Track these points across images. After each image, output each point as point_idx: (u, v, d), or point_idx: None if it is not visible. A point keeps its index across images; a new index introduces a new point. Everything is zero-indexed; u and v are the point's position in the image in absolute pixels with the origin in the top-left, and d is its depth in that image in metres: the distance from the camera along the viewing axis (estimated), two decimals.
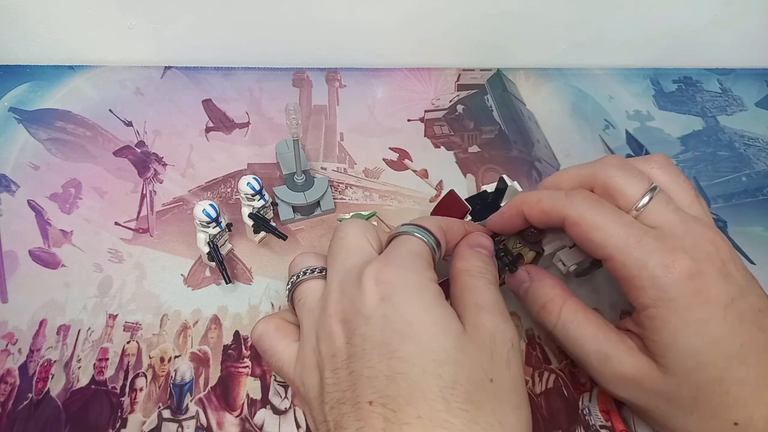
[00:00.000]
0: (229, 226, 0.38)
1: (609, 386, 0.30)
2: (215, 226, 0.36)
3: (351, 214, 0.38)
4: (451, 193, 0.38)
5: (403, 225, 0.30)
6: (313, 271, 0.31)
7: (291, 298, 0.31)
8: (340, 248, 0.30)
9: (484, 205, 0.40)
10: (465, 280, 0.29)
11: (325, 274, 0.30)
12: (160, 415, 0.32)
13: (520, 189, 0.38)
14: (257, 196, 0.37)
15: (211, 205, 0.35)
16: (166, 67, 0.52)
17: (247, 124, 0.48)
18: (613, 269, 0.29)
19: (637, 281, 0.28)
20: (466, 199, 0.39)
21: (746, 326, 0.27)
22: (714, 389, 0.27)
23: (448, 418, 0.23)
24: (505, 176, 0.39)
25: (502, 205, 0.38)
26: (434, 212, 0.37)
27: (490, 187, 0.41)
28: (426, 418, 0.22)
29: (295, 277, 0.31)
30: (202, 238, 0.36)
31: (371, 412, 0.23)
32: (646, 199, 0.29)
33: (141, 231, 0.41)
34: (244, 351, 0.35)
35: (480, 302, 0.28)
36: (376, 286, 0.26)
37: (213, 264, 0.38)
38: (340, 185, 0.44)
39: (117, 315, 0.36)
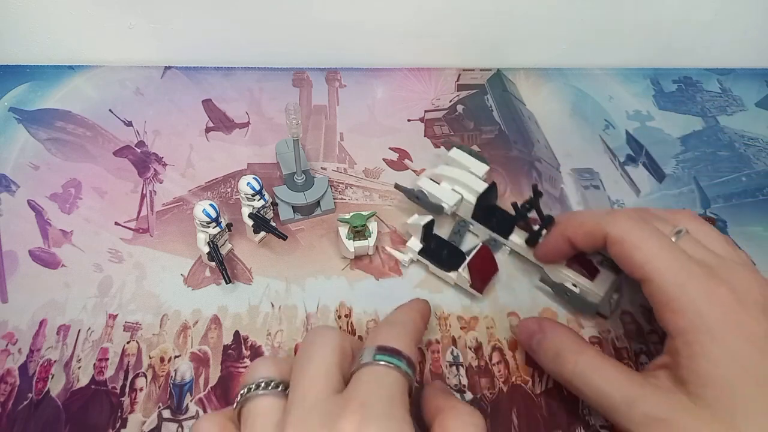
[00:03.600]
0: (229, 226, 0.38)
1: (637, 430, 0.28)
2: (215, 226, 0.36)
3: (351, 214, 0.38)
4: (485, 249, 0.37)
5: (370, 348, 0.26)
6: (268, 385, 0.26)
7: (238, 413, 0.26)
8: (305, 370, 0.26)
9: (489, 212, 0.40)
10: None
11: (284, 390, 0.26)
12: (160, 415, 0.32)
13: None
14: (257, 196, 0.37)
15: (211, 205, 0.35)
16: (166, 67, 0.52)
17: (247, 124, 0.48)
18: (651, 291, 0.29)
19: (676, 304, 0.27)
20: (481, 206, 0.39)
21: None
22: (749, 421, 0.26)
23: None
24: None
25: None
26: (469, 264, 0.36)
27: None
28: None
29: (246, 390, 0.26)
30: (202, 238, 0.36)
31: None
32: (674, 237, 0.29)
33: (141, 231, 0.41)
34: (244, 351, 0.35)
35: None
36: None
37: (213, 264, 0.38)
38: (340, 185, 0.44)
39: (117, 315, 0.36)
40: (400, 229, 0.42)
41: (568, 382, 0.31)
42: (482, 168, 0.41)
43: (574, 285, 0.37)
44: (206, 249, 0.36)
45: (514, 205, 0.38)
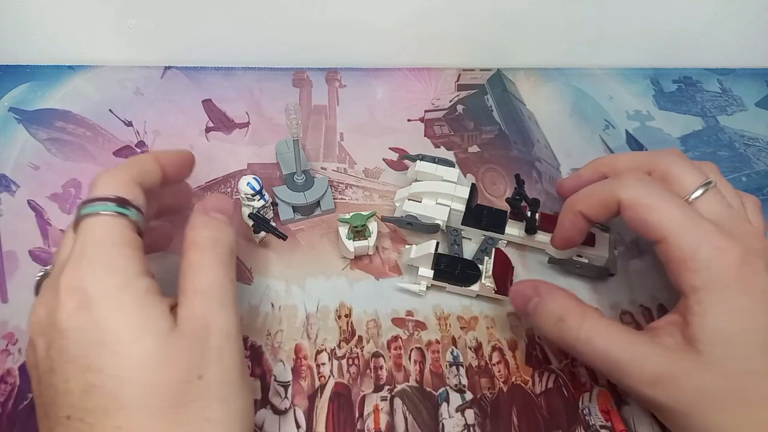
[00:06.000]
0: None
1: (644, 389, 0.28)
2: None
3: (351, 214, 0.38)
4: (500, 252, 0.37)
5: (88, 201, 0.26)
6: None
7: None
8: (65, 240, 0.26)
9: (477, 213, 0.40)
10: (190, 257, 0.27)
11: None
12: None
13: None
14: (257, 196, 0.37)
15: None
16: (166, 67, 0.52)
17: (247, 124, 0.48)
18: (666, 251, 0.29)
19: (691, 263, 0.28)
20: (476, 205, 0.40)
21: None
22: (749, 381, 0.27)
23: (150, 423, 0.23)
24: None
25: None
26: (494, 273, 0.36)
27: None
28: (125, 428, 0.22)
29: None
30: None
31: (68, 427, 0.23)
32: (700, 191, 0.30)
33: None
34: (243, 351, 0.35)
35: (198, 286, 0.26)
36: (70, 296, 0.24)
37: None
38: (340, 185, 0.44)
39: None
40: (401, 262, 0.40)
41: (571, 347, 0.30)
42: (453, 172, 0.41)
43: (580, 256, 0.39)
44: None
45: (508, 200, 0.39)
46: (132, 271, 0.25)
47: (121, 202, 0.26)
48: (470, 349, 0.36)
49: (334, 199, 0.43)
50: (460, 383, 0.35)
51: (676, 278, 0.29)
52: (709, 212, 0.30)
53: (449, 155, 0.47)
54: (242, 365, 0.27)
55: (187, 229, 0.28)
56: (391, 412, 0.33)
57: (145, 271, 0.26)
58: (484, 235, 0.40)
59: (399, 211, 0.40)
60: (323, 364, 0.35)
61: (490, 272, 0.36)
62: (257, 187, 0.36)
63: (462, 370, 0.35)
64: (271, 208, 0.39)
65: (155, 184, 0.29)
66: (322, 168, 0.45)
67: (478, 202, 0.41)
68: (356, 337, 0.36)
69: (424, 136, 0.49)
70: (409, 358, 0.36)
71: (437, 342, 0.36)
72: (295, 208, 0.41)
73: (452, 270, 0.37)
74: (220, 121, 0.48)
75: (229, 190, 0.43)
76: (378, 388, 0.34)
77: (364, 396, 0.34)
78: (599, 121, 0.51)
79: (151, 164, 0.29)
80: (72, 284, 0.24)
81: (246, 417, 0.26)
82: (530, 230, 0.39)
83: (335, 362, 0.35)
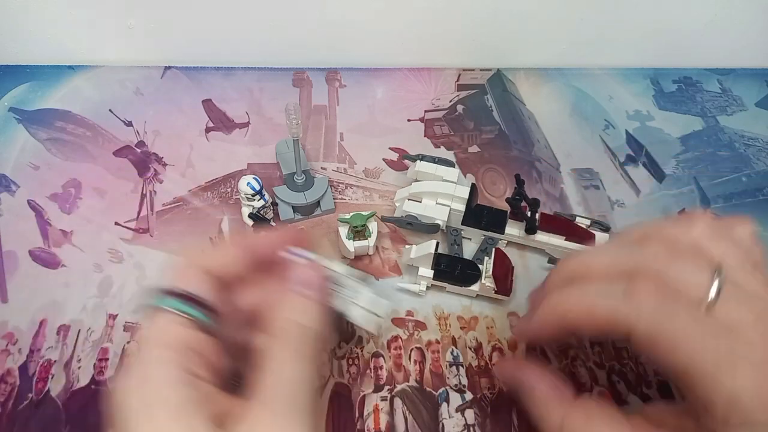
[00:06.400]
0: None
1: None
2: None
3: (351, 214, 0.38)
4: (500, 252, 0.37)
5: (157, 290, 0.23)
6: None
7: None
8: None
9: (477, 213, 0.40)
10: (263, 345, 0.23)
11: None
12: None
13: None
14: (257, 196, 0.37)
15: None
16: (166, 67, 0.52)
17: (247, 124, 0.48)
18: (690, 387, 0.24)
19: (720, 410, 0.23)
20: (476, 205, 0.40)
21: None
22: None
23: None
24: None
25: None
26: (494, 273, 0.36)
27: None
28: None
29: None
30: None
31: None
32: (714, 291, 0.24)
33: (141, 231, 0.41)
34: None
35: (268, 394, 0.22)
36: (116, 410, 0.21)
37: None
38: (340, 185, 0.44)
39: (117, 315, 0.36)
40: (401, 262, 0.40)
41: None
42: (453, 172, 0.41)
43: None
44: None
45: (508, 200, 0.39)
46: (168, 379, 0.21)
47: (183, 298, 0.23)
48: (470, 349, 0.36)
49: (334, 199, 0.43)
50: (460, 383, 0.35)
51: (700, 405, 0.24)
52: (733, 319, 0.24)
53: (449, 155, 0.47)
54: None
55: (263, 302, 0.24)
56: (391, 412, 0.33)
57: (189, 376, 0.22)
58: (484, 235, 0.40)
59: (399, 211, 0.40)
60: (323, 364, 0.35)
61: (490, 272, 0.36)
62: (257, 187, 0.36)
63: (462, 370, 0.35)
64: (271, 208, 0.39)
65: (240, 273, 0.26)
66: (322, 168, 0.45)
67: (478, 202, 0.41)
68: (356, 337, 0.36)
69: (424, 136, 0.49)
70: (409, 358, 0.36)
71: (437, 342, 0.36)
72: (295, 208, 0.41)
73: (452, 270, 0.37)
74: (220, 121, 0.48)
75: (229, 190, 0.43)
76: (378, 388, 0.34)
77: (364, 396, 0.34)
78: (599, 121, 0.51)
79: (232, 256, 0.25)
80: (118, 395, 0.21)
81: None
82: (530, 230, 0.39)
83: (335, 362, 0.35)
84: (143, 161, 0.45)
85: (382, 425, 0.33)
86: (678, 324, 0.23)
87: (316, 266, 0.25)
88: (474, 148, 0.48)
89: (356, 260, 0.40)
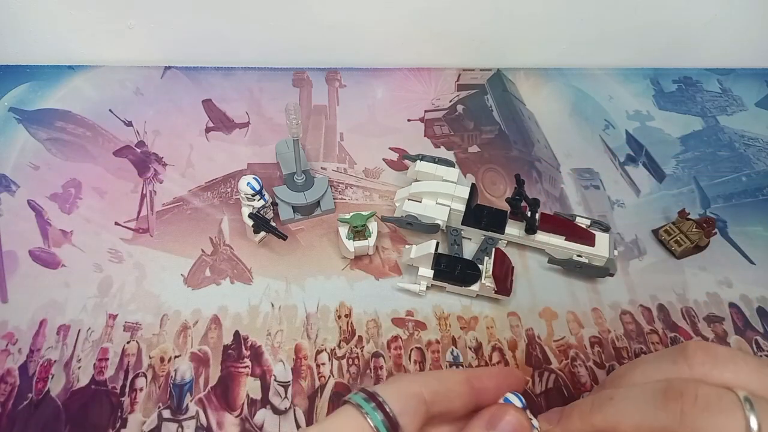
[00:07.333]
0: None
1: None
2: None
3: (351, 214, 0.38)
4: (500, 252, 0.37)
5: (362, 389, 0.24)
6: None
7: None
8: None
9: (477, 213, 0.40)
10: None
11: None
12: (160, 415, 0.32)
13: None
14: (257, 196, 0.37)
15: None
16: (166, 67, 0.52)
17: (247, 124, 0.48)
18: None
19: None
20: (476, 205, 0.40)
21: None
22: None
23: None
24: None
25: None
26: (494, 273, 0.36)
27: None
28: None
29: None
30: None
31: None
32: (755, 424, 0.21)
33: (141, 231, 0.41)
34: (244, 351, 0.35)
35: None
36: None
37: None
38: (340, 185, 0.44)
39: (117, 315, 0.36)
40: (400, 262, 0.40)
41: None
42: (453, 172, 0.41)
43: (580, 256, 0.39)
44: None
45: (508, 200, 0.39)
46: None
47: (382, 412, 0.23)
48: (470, 349, 0.36)
49: (334, 199, 0.43)
50: None
51: None
52: None
53: (449, 155, 0.47)
54: None
55: None
56: None
57: None
58: (484, 235, 0.40)
59: (399, 211, 0.40)
60: (323, 364, 0.35)
61: (490, 272, 0.36)
62: (257, 187, 0.36)
63: None
64: (271, 208, 0.39)
65: (457, 411, 0.25)
66: (322, 168, 0.45)
67: (478, 202, 0.41)
68: (356, 337, 0.36)
69: (424, 136, 0.49)
70: (409, 358, 0.36)
71: (437, 342, 0.36)
72: (295, 208, 0.41)
73: (452, 270, 0.37)
74: (220, 121, 0.48)
75: (229, 190, 0.43)
76: None
77: None
78: (599, 121, 0.51)
79: (458, 393, 0.25)
80: None
81: None
82: (530, 230, 0.39)
83: (335, 362, 0.35)
84: (143, 161, 0.45)
85: None
86: None
87: (526, 417, 0.24)
88: (474, 148, 0.48)
89: (356, 260, 0.40)
